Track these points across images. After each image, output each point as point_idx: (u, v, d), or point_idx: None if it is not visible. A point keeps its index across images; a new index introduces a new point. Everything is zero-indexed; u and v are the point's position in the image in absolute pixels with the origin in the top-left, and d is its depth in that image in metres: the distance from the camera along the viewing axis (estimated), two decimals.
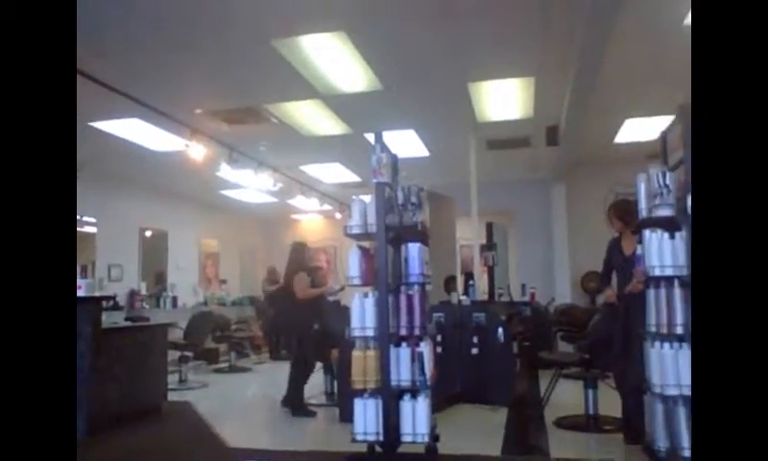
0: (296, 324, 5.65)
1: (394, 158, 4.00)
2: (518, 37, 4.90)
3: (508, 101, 6.42)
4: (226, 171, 7.96)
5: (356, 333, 3.70)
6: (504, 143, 8.06)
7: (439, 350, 5.00)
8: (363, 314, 3.71)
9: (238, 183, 9.51)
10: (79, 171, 7.74)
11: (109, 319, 5.90)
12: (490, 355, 5.65)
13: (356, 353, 3.67)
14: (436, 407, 3.68)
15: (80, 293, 5.20)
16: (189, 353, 7.81)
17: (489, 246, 8.18)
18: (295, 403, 5.50)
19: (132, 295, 9.07)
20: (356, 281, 3.84)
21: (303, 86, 5.74)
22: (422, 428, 3.48)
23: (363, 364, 3.60)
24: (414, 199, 3.88)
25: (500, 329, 5.72)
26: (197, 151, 6.98)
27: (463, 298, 6.28)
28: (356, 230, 3.87)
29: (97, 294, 5.84)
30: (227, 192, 10.67)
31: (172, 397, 6.17)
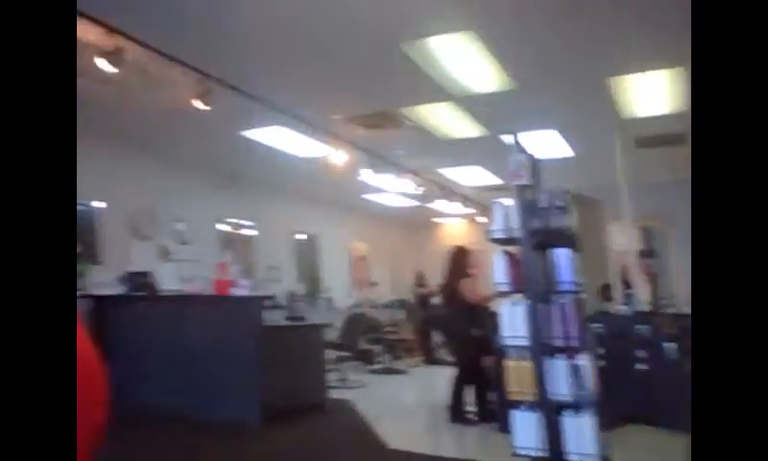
0: (460, 329, 5.56)
1: (534, 160, 3.78)
2: (658, 27, 4.47)
3: (656, 95, 5.92)
4: (366, 175, 8.10)
5: (508, 342, 3.57)
6: (654, 140, 7.47)
7: (602, 363, 4.66)
8: (513, 322, 3.56)
9: (380, 188, 9.66)
10: (235, 180, 8.40)
11: (270, 317, 6.22)
12: (660, 373, 5.10)
13: (509, 363, 3.53)
14: (601, 426, 3.42)
15: (243, 293, 5.54)
16: (347, 353, 8.01)
17: (648, 252, 7.60)
18: (453, 409, 5.41)
19: (291, 295, 9.52)
20: (503, 288, 3.70)
21: (434, 89, 5.66)
22: (589, 448, 3.22)
23: (517, 374, 3.46)
24: (559, 202, 3.65)
25: (669, 345, 5.20)
26: (337, 156, 7.18)
27: (622, 308, 5.85)
28: (499, 235, 3.71)
29: (258, 294, 6.17)
30: (369, 196, 10.89)
31: (333, 394, 6.33)
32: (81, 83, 5.32)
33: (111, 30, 4.51)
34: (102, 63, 4.61)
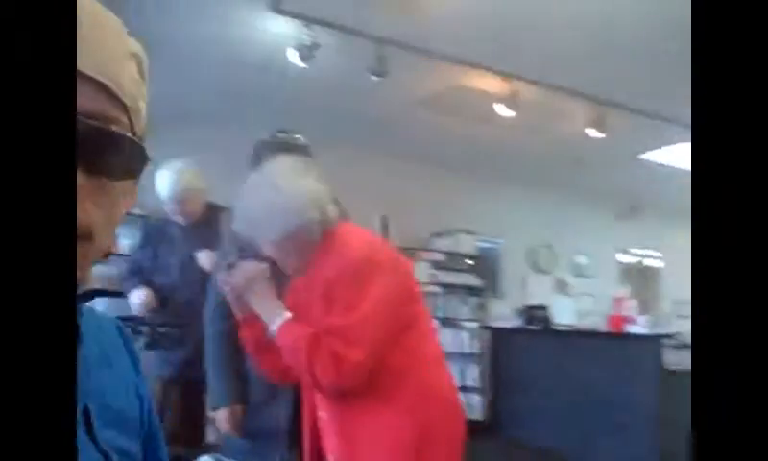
0: None
1: None
2: None
3: None
4: None
5: None
6: None
7: None
8: None
9: None
10: (637, 207, 7.83)
11: (675, 359, 5.48)
12: None
13: None
14: None
15: (639, 330, 5.04)
16: None
17: None
18: None
19: None
20: None
21: None
22: None
23: None
24: None
25: None
26: None
27: None
28: None
29: (658, 332, 5.53)
30: None
31: None
32: (483, 129, 5.77)
33: (506, 76, 4.75)
34: (500, 109, 4.88)
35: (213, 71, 4.90)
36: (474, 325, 6.51)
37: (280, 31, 4.08)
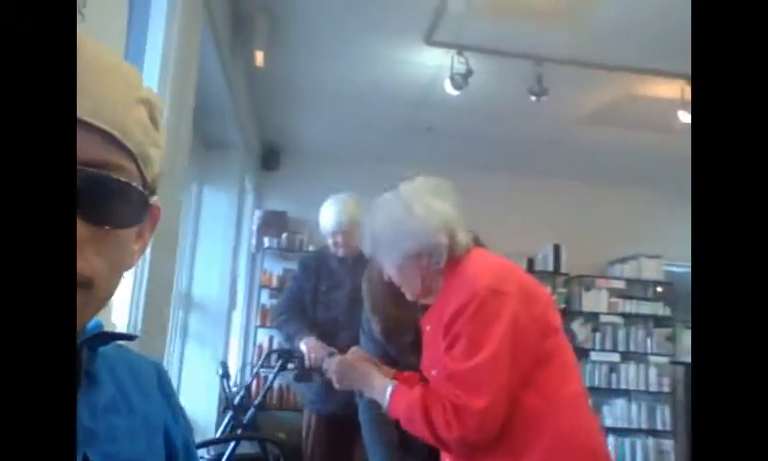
0: None
1: None
2: None
3: None
4: None
5: None
6: None
7: None
8: None
9: None
10: None
11: None
12: None
13: None
14: None
15: None
16: None
17: None
18: None
19: None
20: None
21: None
22: None
23: None
24: None
25: None
26: None
27: None
28: None
29: None
30: None
31: None
32: (661, 139, 5.23)
33: (688, 78, 4.30)
34: (683, 116, 4.45)
35: (372, 109, 5.06)
36: (663, 359, 5.84)
37: (434, 63, 4.09)
